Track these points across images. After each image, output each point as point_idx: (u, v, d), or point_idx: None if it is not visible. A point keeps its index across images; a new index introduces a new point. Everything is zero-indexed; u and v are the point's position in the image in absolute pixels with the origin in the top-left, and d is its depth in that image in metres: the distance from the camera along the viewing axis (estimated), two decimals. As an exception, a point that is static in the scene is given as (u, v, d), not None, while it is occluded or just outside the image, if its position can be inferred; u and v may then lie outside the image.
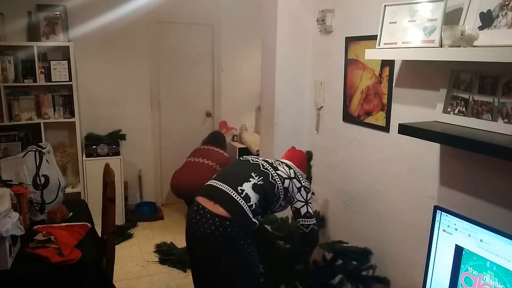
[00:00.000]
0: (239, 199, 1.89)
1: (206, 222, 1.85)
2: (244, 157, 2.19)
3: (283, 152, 2.39)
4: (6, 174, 2.32)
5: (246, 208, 1.88)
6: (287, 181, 2.04)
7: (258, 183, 1.97)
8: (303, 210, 2.04)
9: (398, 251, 2.15)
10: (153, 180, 4.63)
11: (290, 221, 2.51)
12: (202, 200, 1.94)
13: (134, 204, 4.46)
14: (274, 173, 2.03)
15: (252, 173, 2.00)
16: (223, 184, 1.96)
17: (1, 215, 1.75)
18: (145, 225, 4.13)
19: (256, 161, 2.10)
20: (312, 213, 2.07)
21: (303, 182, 2.10)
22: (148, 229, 4.06)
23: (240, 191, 1.91)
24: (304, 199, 2.06)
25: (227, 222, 1.83)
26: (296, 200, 2.05)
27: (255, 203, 1.91)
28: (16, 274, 1.80)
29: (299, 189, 2.06)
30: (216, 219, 1.84)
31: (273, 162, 2.12)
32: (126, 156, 4.34)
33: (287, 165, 2.15)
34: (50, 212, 2.29)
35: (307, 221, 2.04)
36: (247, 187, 1.94)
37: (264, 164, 2.07)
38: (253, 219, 1.90)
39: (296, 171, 2.13)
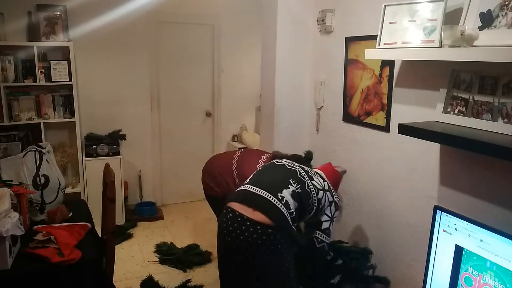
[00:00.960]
0: (281, 206, 1.79)
1: (246, 230, 1.74)
2: (278, 161, 2.09)
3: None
4: (6, 174, 2.32)
5: (287, 215, 1.79)
6: (321, 193, 1.97)
7: (296, 190, 1.88)
8: (325, 225, 1.99)
9: (398, 251, 2.15)
10: (153, 180, 4.63)
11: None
12: (237, 207, 1.81)
13: (134, 204, 4.46)
14: (309, 183, 1.95)
15: (291, 180, 1.91)
16: (261, 190, 1.84)
17: (1, 215, 1.75)
18: (145, 225, 4.12)
19: (293, 167, 2.01)
20: (331, 232, 2.01)
21: (336, 198, 2.04)
22: (148, 229, 4.05)
23: (280, 198, 1.82)
24: (330, 215, 2.00)
25: (270, 230, 1.74)
26: (323, 213, 1.99)
27: (294, 211, 1.84)
28: (16, 274, 1.79)
29: (330, 203, 2.00)
30: (258, 227, 1.73)
31: (309, 171, 2.03)
32: (126, 156, 4.33)
33: (321, 176, 2.07)
34: (50, 212, 2.29)
35: (322, 236, 1.99)
36: (286, 194, 1.84)
37: (301, 171, 1.98)
38: (292, 226, 1.83)
39: (329, 184, 2.06)
